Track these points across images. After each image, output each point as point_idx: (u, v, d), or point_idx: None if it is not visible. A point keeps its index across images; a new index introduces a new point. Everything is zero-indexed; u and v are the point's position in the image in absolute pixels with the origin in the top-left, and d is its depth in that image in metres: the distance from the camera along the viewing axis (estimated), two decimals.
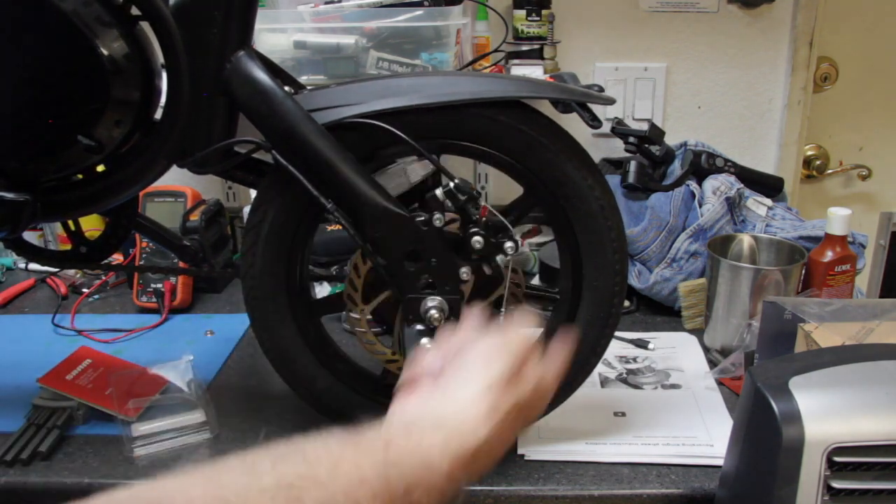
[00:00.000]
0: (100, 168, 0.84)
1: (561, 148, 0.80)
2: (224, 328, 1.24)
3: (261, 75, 0.78)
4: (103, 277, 1.43)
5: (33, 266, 1.48)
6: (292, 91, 0.80)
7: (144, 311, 1.31)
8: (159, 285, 1.30)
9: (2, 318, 1.33)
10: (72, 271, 1.44)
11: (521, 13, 1.41)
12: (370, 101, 0.77)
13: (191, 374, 1.01)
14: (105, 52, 0.74)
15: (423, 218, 0.78)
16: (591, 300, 0.85)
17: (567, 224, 0.83)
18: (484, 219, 0.79)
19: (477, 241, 0.78)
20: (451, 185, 0.76)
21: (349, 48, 1.25)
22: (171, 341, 1.22)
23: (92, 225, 1.37)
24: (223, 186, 1.58)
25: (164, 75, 0.79)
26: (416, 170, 0.82)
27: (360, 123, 0.77)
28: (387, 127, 0.76)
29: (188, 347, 1.15)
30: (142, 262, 1.34)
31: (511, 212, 0.84)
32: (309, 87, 0.86)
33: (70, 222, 0.95)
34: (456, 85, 0.78)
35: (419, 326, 0.81)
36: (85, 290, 1.40)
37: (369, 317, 0.87)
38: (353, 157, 0.76)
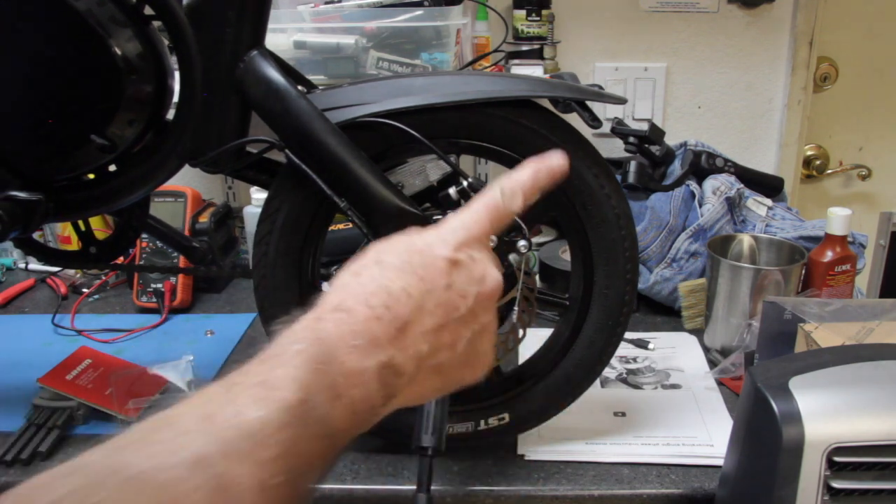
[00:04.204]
0: (111, 167, 0.84)
1: (582, 155, 0.80)
2: (224, 328, 1.24)
3: (274, 74, 0.77)
4: (103, 277, 1.43)
5: (33, 266, 1.48)
6: (305, 90, 0.80)
7: (144, 311, 1.31)
8: (159, 285, 1.30)
9: (2, 318, 1.32)
10: (72, 271, 1.44)
11: (521, 13, 1.41)
12: (383, 101, 0.77)
13: (191, 374, 1.01)
14: (118, 51, 0.74)
15: (437, 217, 0.78)
16: (601, 307, 0.85)
17: (581, 230, 0.83)
18: None
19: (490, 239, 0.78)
20: (465, 183, 0.76)
21: (349, 48, 1.24)
22: (171, 341, 1.21)
23: (95, 226, 1.37)
24: (224, 187, 1.58)
25: (177, 75, 0.79)
26: (434, 169, 0.81)
27: (373, 122, 0.77)
28: (400, 126, 0.76)
29: (188, 347, 1.14)
30: (142, 262, 1.33)
31: (525, 216, 0.84)
32: (321, 87, 0.86)
33: (80, 222, 0.95)
34: (469, 84, 0.77)
35: None
36: (85, 290, 1.39)
37: None
38: (367, 156, 0.76)
